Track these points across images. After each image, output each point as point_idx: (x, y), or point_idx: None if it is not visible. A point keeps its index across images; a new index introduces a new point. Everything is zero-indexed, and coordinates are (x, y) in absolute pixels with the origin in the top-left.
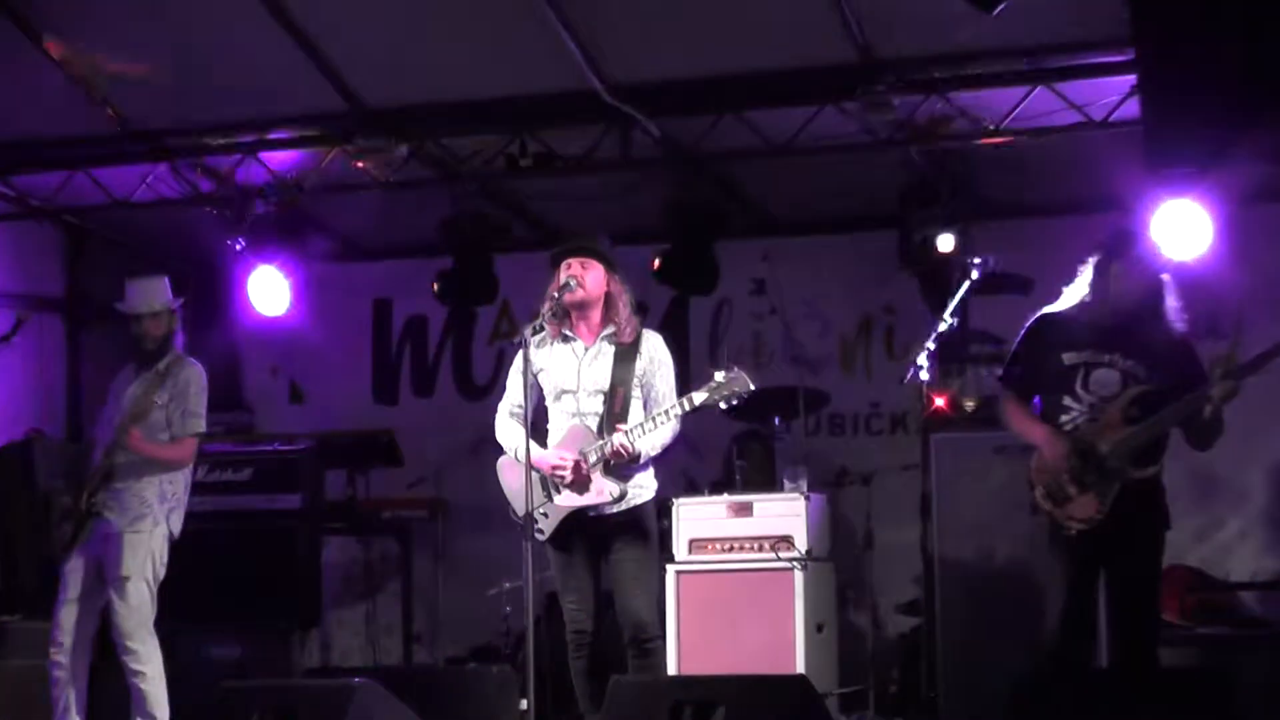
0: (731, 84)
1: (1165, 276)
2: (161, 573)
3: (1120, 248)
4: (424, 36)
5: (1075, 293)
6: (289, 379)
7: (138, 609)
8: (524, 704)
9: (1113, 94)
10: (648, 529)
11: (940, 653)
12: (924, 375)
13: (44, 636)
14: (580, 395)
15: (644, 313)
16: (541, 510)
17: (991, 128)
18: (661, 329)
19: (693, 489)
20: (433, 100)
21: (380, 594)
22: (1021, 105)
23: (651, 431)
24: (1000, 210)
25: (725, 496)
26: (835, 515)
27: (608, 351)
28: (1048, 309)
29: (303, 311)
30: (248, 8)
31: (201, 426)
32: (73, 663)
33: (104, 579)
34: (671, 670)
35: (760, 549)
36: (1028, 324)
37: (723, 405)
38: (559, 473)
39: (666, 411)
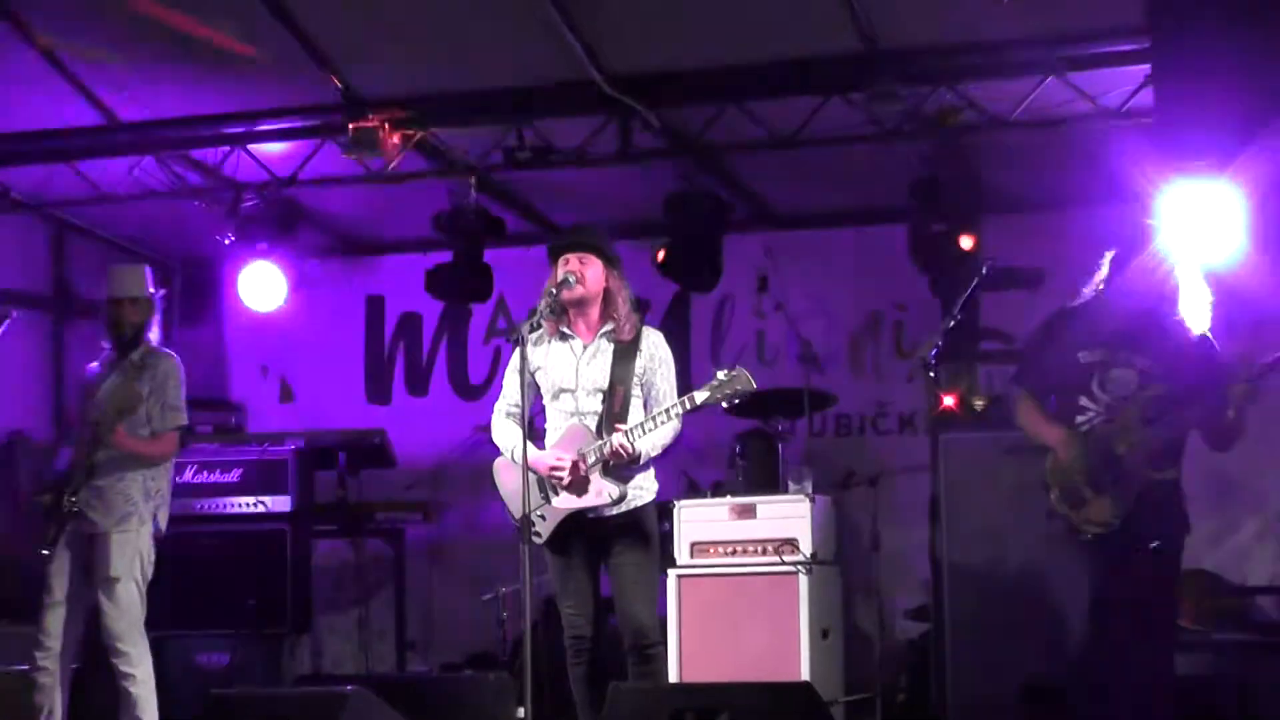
0: (734, 74)
1: (1184, 270)
2: (150, 572)
3: (1136, 243)
4: (419, 25)
5: (1090, 289)
6: (279, 377)
7: (128, 610)
8: (521, 712)
9: (1126, 83)
10: (648, 531)
11: (950, 660)
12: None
13: (29, 641)
14: (579, 394)
15: (644, 310)
16: (539, 512)
17: (1001, 119)
18: (662, 326)
19: (694, 490)
20: (427, 91)
21: (373, 599)
22: (1032, 95)
23: (652, 431)
24: (1011, 203)
25: (728, 498)
26: (841, 518)
27: (606, 349)
28: (1062, 305)
29: (293, 308)
30: None
31: (183, 419)
32: (59, 667)
33: (90, 580)
34: (673, 677)
35: (764, 552)
36: (1041, 321)
37: (725, 404)
38: (556, 474)
39: (667, 411)
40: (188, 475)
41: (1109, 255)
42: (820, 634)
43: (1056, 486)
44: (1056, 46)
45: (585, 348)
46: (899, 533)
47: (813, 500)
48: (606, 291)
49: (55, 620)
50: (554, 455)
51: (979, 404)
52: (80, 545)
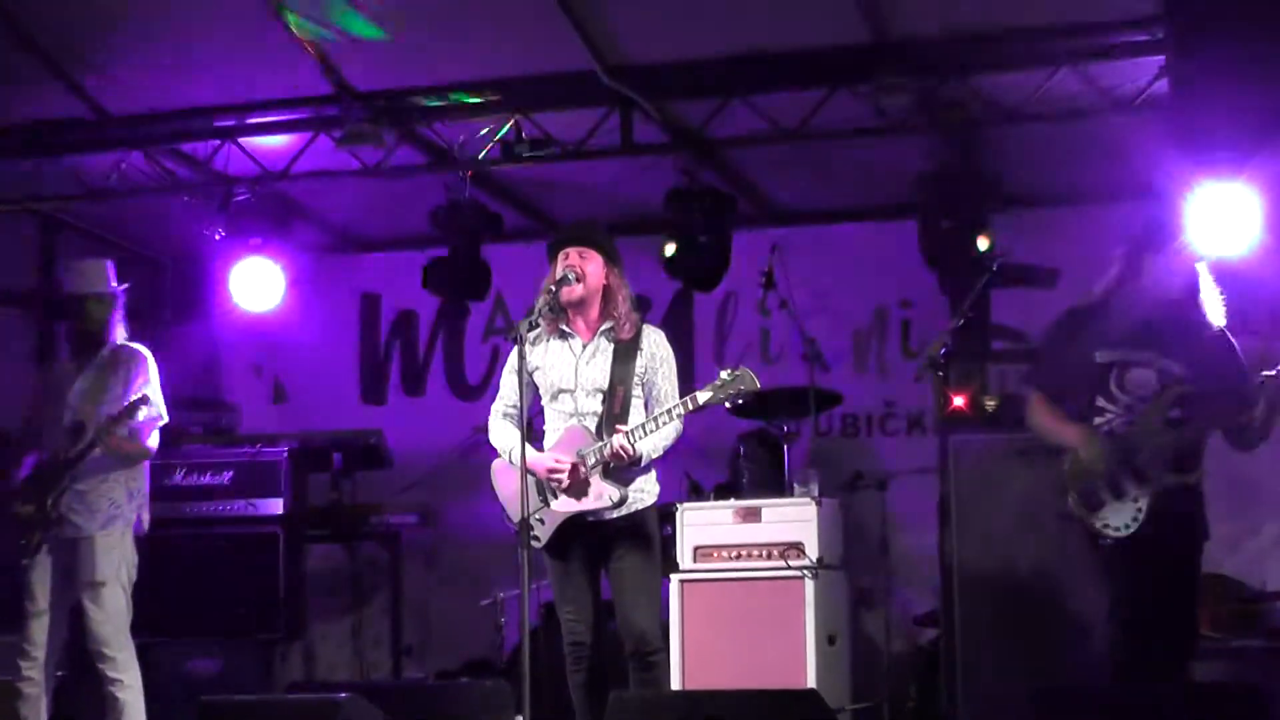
0: (738, 65)
1: (1201, 265)
2: (134, 575)
3: (1152, 238)
4: (414, 14)
5: (1103, 286)
6: (271, 377)
7: (114, 615)
8: None
9: (1142, 75)
10: (650, 535)
11: (960, 667)
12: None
13: (12, 650)
14: (578, 395)
15: (645, 308)
16: (538, 516)
17: (1012, 111)
18: (664, 324)
19: (697, 492)
20: (423, 83)
21: (367, 605)
22: (1045, 87)
23: (653, 433)
24: (1023, 199)
25: (732, 501)
26: (848, 521)
27: (606, 348)
28: (1076, 303)
29: (286, 306)
30: None
31: (163, 413)
32: (44, 676)
33: (73, 586)
34: (675, 685)
35: (769, 557)
36: (1055, 318)
37: (728, 405)
38: (555, 476)
39: (669, 411)
40: (178, 477)
41: (1122, 251)
42: (827, 640)
43: (1074, 490)
44: (1069, 37)
45: (584, 347)
46: (907, 536)
47: (819, 503)
48: (606, 289)
49: (39, 629)
50: (552, 457)
51: (990, 404)
52: (62, 551)
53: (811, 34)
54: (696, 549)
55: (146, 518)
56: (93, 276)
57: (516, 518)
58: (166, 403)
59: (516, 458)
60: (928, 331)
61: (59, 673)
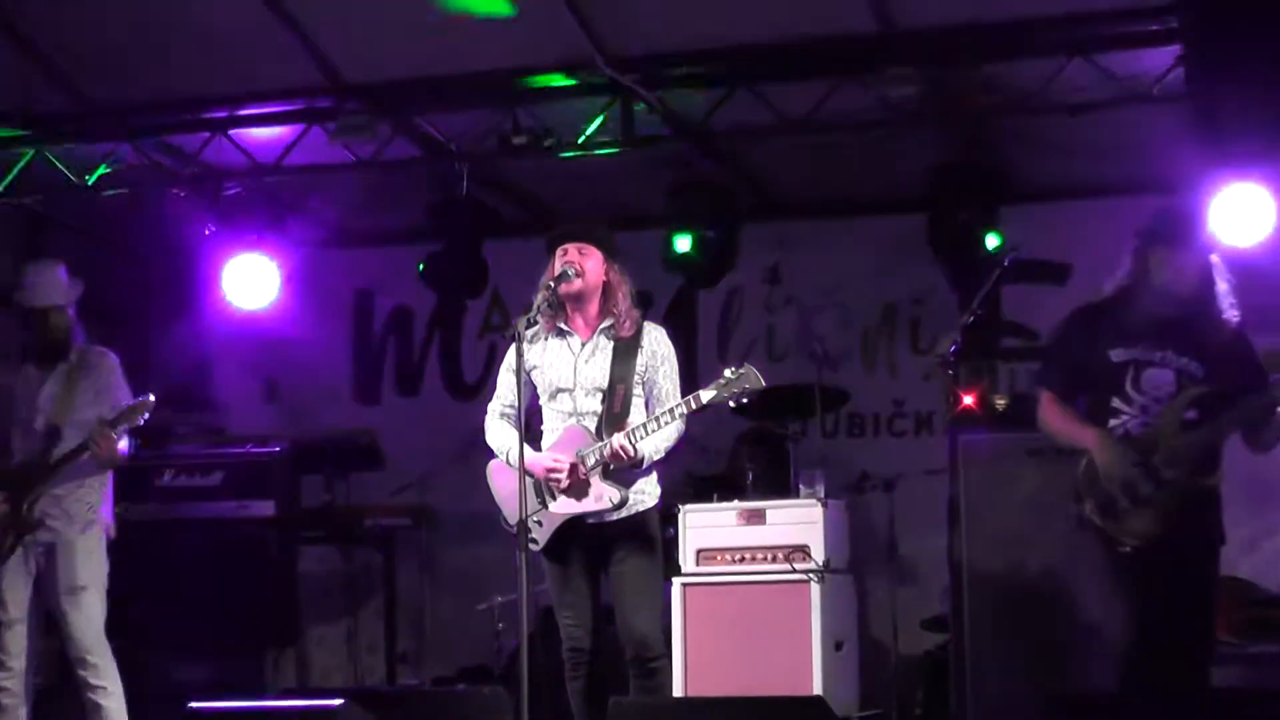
0: (743, 55)
1: (1215, 258)
2: (106, 581)
3: (1163, 232)
4: (409, 4)
5: (1114, 283)
6: (263, 376)
7: (94, 619)
8: None
9: (1157, 64)
10: (651, 537)
11: (969, 672)
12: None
13: None
14: (577, 394)
15: (646, 305)
16: (536, 518)
17: (1024, 102)
18: (667, 321)
19: (699, 493)
20: (419, 74)
21: (362, 609)
22: (1058, 78)
23: (655, 433)
24: (1034, 192)
25: (736, 503)
26: (855, 523)
27: (606, 346)
28: (1088, 300)
29: (279, 304)
30: None
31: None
32: (22, 687)
33: (50, 592)
34: (677, 691)
35: (774, 560)
36: (1067, 316)
37: (732, 404)
38: (553, 476)
39: (671, 411)
40: (166, 478)
41: (1133, 246)
42: (833, 646)
43: (1090, 497)
44: (1081, 25)
45: (583, 345)
46: (916, 539)
47: (825, 505)
48: (606, 285)
49: (15, 639)
50: (551, 457)
51: (1000, 403)
52: (34, 556)
53: (817, 23)
54: (700, 552)
55: (112, 522)
56: (50, 288)
57: (513, 519)
58: (156, 400)
59: (514, 458)
60: (937, 329)
61: (35, 680)
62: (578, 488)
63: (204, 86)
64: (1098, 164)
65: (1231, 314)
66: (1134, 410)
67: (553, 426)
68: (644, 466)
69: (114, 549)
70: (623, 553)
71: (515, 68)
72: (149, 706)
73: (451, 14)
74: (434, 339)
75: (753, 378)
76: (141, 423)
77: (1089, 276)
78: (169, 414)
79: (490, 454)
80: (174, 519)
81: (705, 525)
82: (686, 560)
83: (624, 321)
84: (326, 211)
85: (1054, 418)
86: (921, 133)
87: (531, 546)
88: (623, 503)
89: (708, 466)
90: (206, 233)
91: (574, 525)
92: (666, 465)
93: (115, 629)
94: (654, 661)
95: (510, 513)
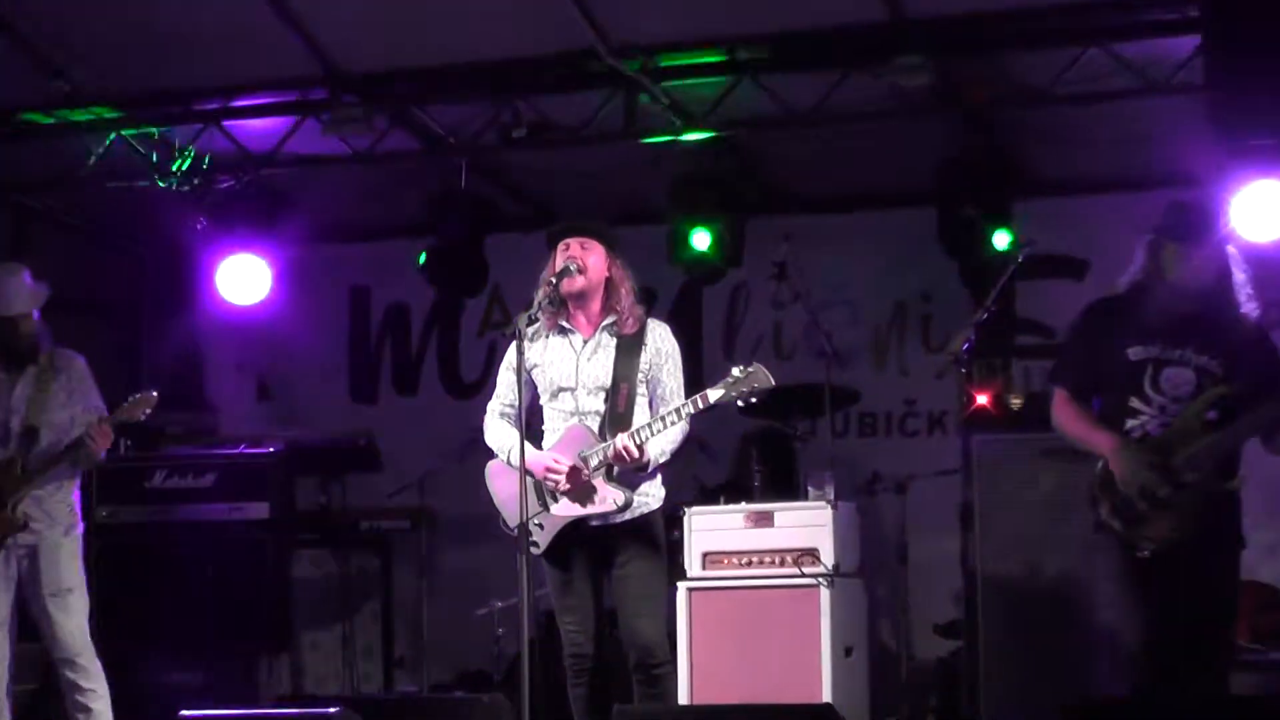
0: (748, 45)
1: (1232, 250)
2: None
3: (1177, 228)
4: None
5: (1128, 279)
6: (256, 375)
7: (81, 622)
8: None
9: (1176, 54)
10: (656, 540)
11: (983, 679)
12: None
13: None
14: (579, 393)
15: (650, 301)
16: (537, 521)
17: (1038, 94)
18: (671, 318)
19: (705, 495)
20: (416, 64)
21: (358, 614)
22: (1073, 68)
23: (660, 433)
24: (1049, 186)
25: (743, 505)
26: (865, 526)
27: (609, 344)
28: (1103, 296)
29: (272, 300)
30: None
31: (106, 413)
32: (3, 692)
33: (33, 595)
34: (682, 699)
35: (782, 563)
36: (1081, 312)
37: (740, 403)
38: (552, 477)
39: (676, 410)
40: (157, 480)
41: (1147, 241)
42: (843, 652)
43: (1108, 502)
44: (1098, 13)
45: (586, 343)
46: (928, 542)
47: (835, 507)
48: (609, 281)
49: (1, 645)
50: (551, 457)
51: (1015, 402)
52: (16, 560)
53: (826, 12)
54: (705, 555)
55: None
56: (16, 297)
57: (513, 522)
58: None
59: (514, 458)
60: (949, 326)
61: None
62: (581, 490)
63: (196, 77)
64: (1114, 156)
65: (1250, 306)
66: (1153, 410)
67: (554, 426)
68: (649, 469)
69: (103, 551)
70: (626, 556)
71: (515, 58)
72: (140, 713)
73: None
74: (432, 337)
75: (762, 377)
76: (143, 418)
77: (1106, 272)
78: (160, 413)
79: (490, 455)
80: (165, 521)
81: (711, 528)
82: (692, 564)
83: (627, 318)
84: (321, 206)
85: (1068, 419)
86: (931, 125)
87: (532, 550)
88: (627, 505)
89: (718, 474)
90: (198, 226)
91: (576, 528)
92: (670, 466)
93: (105, 633)
94: (658, 668)
95: (510, 515)
